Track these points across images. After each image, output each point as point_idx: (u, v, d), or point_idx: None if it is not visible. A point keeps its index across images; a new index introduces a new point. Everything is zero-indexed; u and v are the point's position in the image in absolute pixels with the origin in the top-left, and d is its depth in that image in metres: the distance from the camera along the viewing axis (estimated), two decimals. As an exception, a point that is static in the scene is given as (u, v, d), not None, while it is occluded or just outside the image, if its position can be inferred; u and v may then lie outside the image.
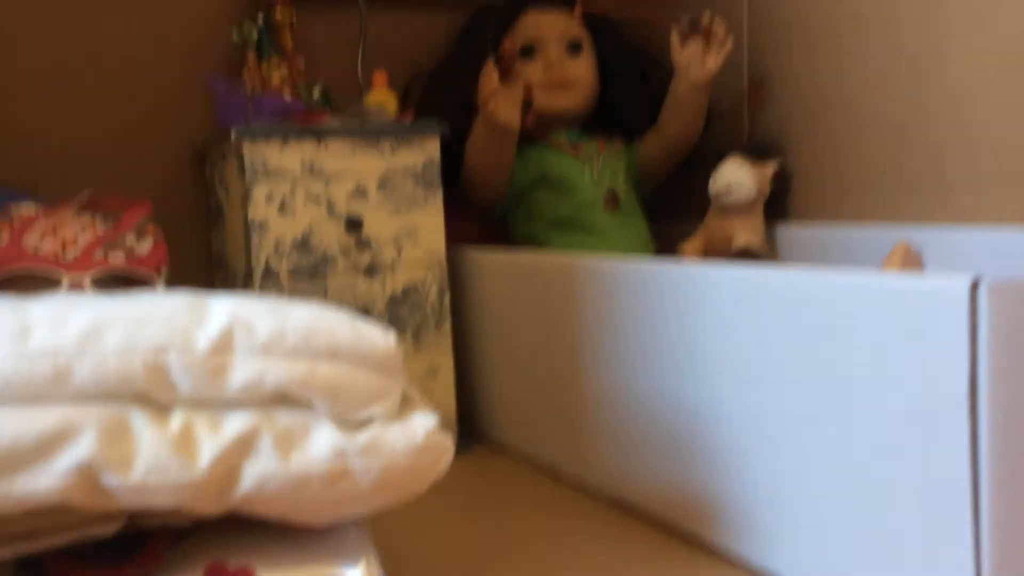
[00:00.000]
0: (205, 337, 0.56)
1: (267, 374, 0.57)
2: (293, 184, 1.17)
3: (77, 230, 1.04)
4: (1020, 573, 0.65)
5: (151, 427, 0.54)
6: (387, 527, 0.98)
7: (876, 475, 0.71)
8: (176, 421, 0.55)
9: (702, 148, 1.40)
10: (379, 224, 1.22)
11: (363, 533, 0.61)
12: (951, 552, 0.66)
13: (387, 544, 0.93)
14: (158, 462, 0.54)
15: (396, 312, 1.24)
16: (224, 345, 0.56)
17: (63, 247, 1.00)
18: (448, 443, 0.62)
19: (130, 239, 1.11)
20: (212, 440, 0.55)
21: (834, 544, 0.75)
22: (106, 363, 0.54)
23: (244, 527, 0.60)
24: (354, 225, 1.19)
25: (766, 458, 0.81)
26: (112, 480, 0.52)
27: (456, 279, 1.35)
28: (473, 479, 1.15)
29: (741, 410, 0.84)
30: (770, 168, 1.26)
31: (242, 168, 1.16)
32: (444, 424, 1.27)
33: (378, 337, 0.61)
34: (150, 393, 0.55)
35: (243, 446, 0.56)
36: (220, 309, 0.58)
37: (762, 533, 0.83)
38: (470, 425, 1.37)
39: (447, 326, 1.27)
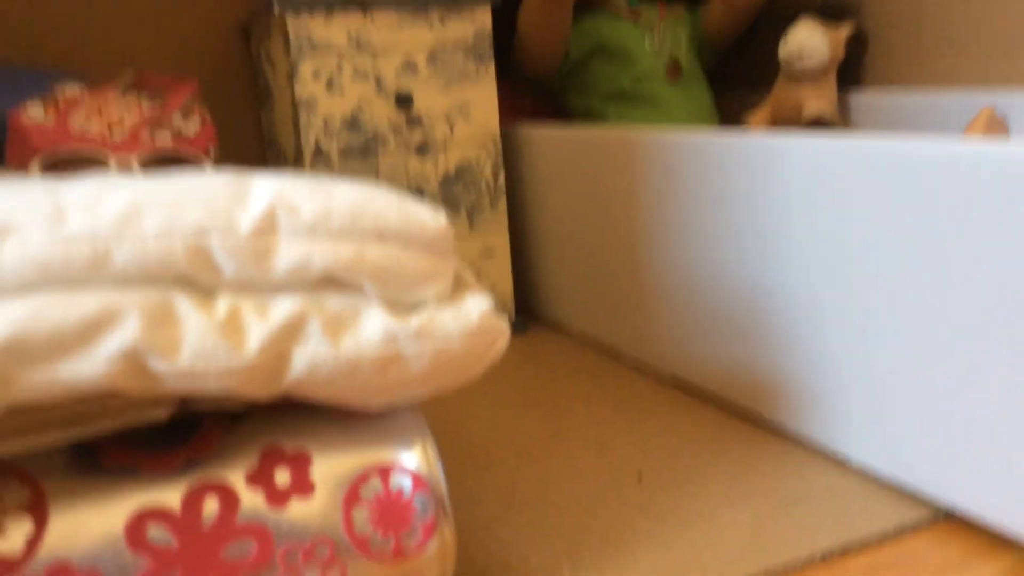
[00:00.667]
0: (248, 218, 0.54)
1: (313, 256, 0.54)
2: (340, 59, 1.13)
3: (123, 110, 1.01)
4: (1110, 457, 0.62)
5: (196, 311, 0.53)
6: (443, 410, 0.98)
7: (956, 357, 0.67)
8: (222, 305, 0.54)
9: (770, 11, 1.31)
10: (429, 100, 1.17)
11: (418, 417, 0.59)
12: (1036, 435, 0.63)
13: (443, 427, 0.93)
14: (205, 347, 0.52)
15: (450, 191, 1.21)
16: (268, 226, 0.54)
17: (109, 128, 0.98)
18: (503, 325, 0.60)
19: (177, 119, 1.08)
20: (260, 325, 0.53)
21: (905, 428, 0.72)
22: (146, 246, 0.52)
23: (298, 411, 0.59)
24: (404, 101, 1.15)
25: (837, 338, 0.78)
26: (159, 365, 0.51)
27: (511, 156, 1.31)
28: (530, 360, 1.14)
29: (811, 288, 0.80)
30: (844, 30, 1.18)
31: (287, 43, 1.11)
32: (500, 305, 1.25)
33: (428, 217, 0.58)
34: (193, 277, 0.53)
35: (292, 330, 0.54)
36: (262, 189, 0.55)
37: (829, 414, 0.80)
38: (527, 306, 1.35)
39: (502, 205, 1.23)
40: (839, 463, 0.80)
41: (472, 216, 1.23)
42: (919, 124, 1.12)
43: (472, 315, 0.58)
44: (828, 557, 0.66)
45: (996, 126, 1.00)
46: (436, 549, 0.56)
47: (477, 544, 0.69)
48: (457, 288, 0.61)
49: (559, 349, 1.18)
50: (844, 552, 0.66)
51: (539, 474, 0.80)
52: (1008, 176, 0.62)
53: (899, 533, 0.68)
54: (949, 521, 0.70)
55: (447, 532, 0.57)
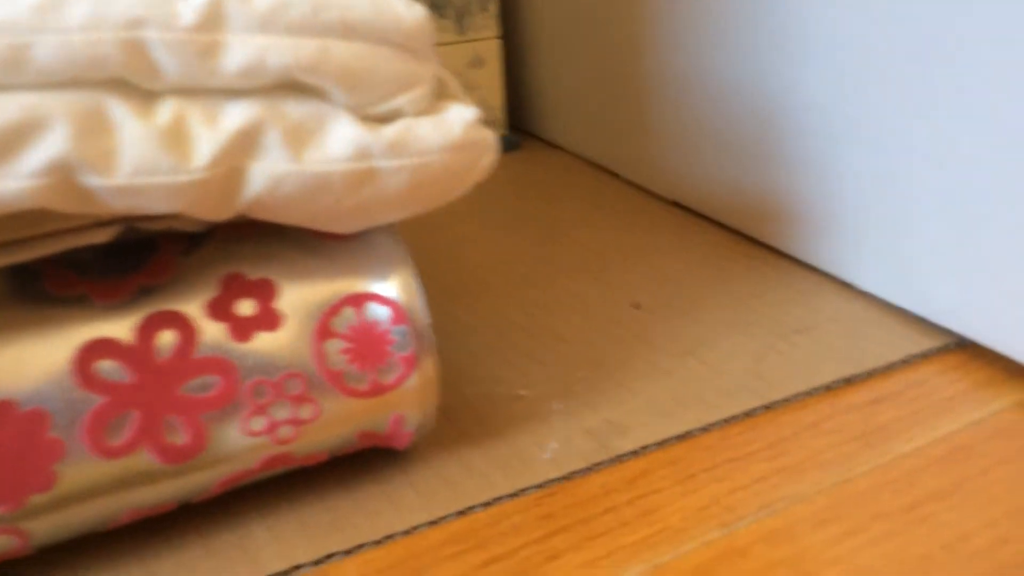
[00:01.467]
0: (189, 8, 0.46)
1: (269, 54, 0.47)
2: None
3: None
4: None
5: (135, 118, 0.45)
6: (429, 233, 0.91)
7: (984, 181, 0.61)
8: (165, 111, 0.46)
9: None
10: None
11: (397, 241, 0.53)
12: (1075, 263, 0.57)
13: (428, 252, 0.87)
14: (146, 159, 0.45)
15: (436, -8, 1.10)
16: (213, 18, 0.46)
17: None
18: (491, 138, 0.53)
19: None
20: (209, 134, 0.46)
21: (921, 255, 0.67)
22: (72, 40, 0.44)
23: (264, 235, 0.53)
24: None
25: (853, 156, 0.71)
26: (93, 180, 0.44)
27: (503, -47, 1.19)
28: (523, 179, 1.07)
29: (828, 99, 0.72)
30: None
31: None
32: (490, 118, 1.17)
33: (403, 9, 0.50)
34: (129, 78, 0.46)
35: (247, 141, 0.47)
36: (206, -27, 0.47)
37: (841, 239, 0.74)
38: (520, 120, 1.27)
39: (493, 6, 1.13)
40: (849, 291, 0.75)
41: (461, 19, 1.13)
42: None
43: (455, 127, 0.51)
44: (832, 388, 0.62)
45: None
46: (416, 383, 0.52)
47: (465, 377, 0.65)
48: (439, 96, 0.54)
49: (555, 167, 1.10)
50: (849, 383, 0.62)
51: (533, 302, 0.75)
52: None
53: (907, 363, 0.64)
54: (961, 351, 0.66)
55: (429, 365, 0.52)
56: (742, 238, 0.86)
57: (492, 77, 1.16)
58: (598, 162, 1.08)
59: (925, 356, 0.65)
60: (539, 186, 1.03)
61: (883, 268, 0.71)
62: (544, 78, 1.18)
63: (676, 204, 0.95)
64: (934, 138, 0.64)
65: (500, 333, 0.71)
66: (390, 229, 0.54)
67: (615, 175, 1.05)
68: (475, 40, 1.14)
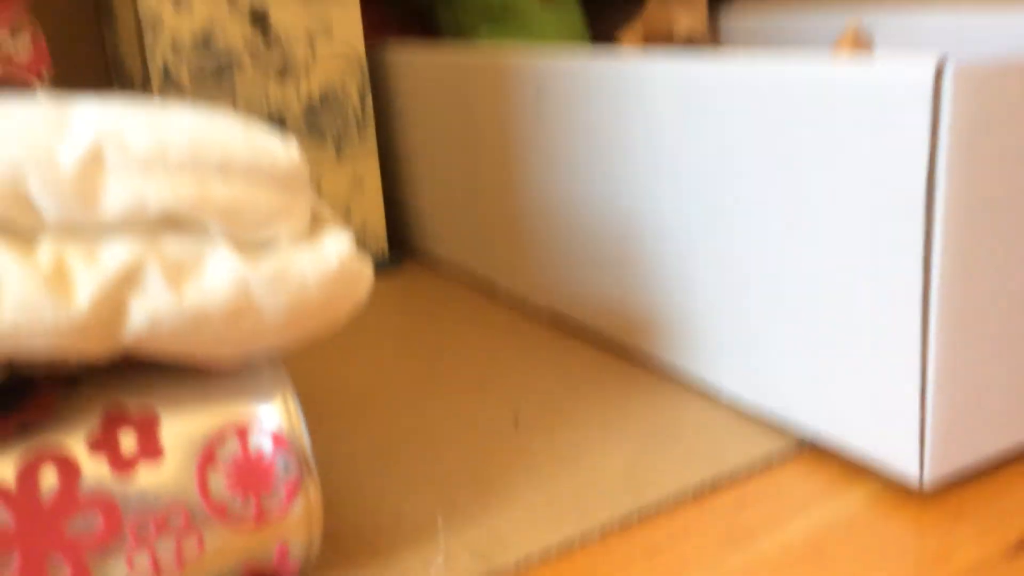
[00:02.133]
0: (69, 152, 0.47)
1: (148, 195, 0.48)
2: (186, -27, 1.03)
3: (-64, 30, 0.90)
4: (966, 380, 0.63)
5: (15, 263, 0.46)
6: (310, 355, 0.93)
7: (822, 284, 0.67)
8: (45, 253, 0.47)
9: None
10: (288, 17, 1.09)
11: (278, 369, 0.55)
12: (897, 362, 0.63)
13: (310, 374, 0.88)
14: (28, 301, 0.46)
15: (314, 119, 1.14)
16: (93, 162, 0.48)
17: (-80, 50, 0.87)
18: (367, 268, 0.56)
19: (3, 39, 0.97)
20: (90, 274, 0.48)
21: (776, 357, 0.72)
22: (-50, 188, 0.45)
23: (144, 368, 0.54)
24: (259, 19, 1.07)
25: (708, 269, 0.77)
26: (-29, 326, 0.45)
27: (378, 80, 1.24)
28: (404, 297, 1.10)
29: (682, 217, 0.78)
30: (718, -50, 1.16)
31: (125, -46, 1.01)
32: (372, 239, 1.20)
33: (279, 148, 0.53)
34: (10, 221, 0.47)
35: (127, 280, 0.48)
36: (86, 118, 0.49)
37: (702, 346, 0.79)
38: (401, 239, 1.30)
39: (371, 132, 1.17)
40: (711, 396, 0.79)
41: (339, 145, 1.16)
42: (789, 42, 1.12)
43: (332, 257, 0.53)
44: (699, 493, 0.66)
45: (863, 43, 1.00)
46: (301, 510, 0.52)
47: (350, 499, 0.66)
48: (315, 226, 0.56)
49: (435, 284, 1.14)
50: (714, 487, 0.66)
51: (415, 420, 0.77)
52: (880, 95, 0.60)
53: (766, 465, 0.69)
54: (814, 451, 0.70)
55: (312, 491, 0.53)
56: (612, 349, 0.90)
57: (371, 199, 1.20)
58: (477, 278, 1.12)
59: (782, 457, 0.70)
60: (419, 304, 1.06)
61: (739, 374, 0.76)
62: (422, 199, 1.22)
63: (551, 316, 0.99)
64: (774, 250, 0.70)
65: (383, 453, 0.72)
66: (270, 358, 0.56)
67: (494, 291, 1.09)
68: (353, 164, 1.18)
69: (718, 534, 0.61)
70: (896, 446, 0.64)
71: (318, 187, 1.16)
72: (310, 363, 0.90)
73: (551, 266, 0.97)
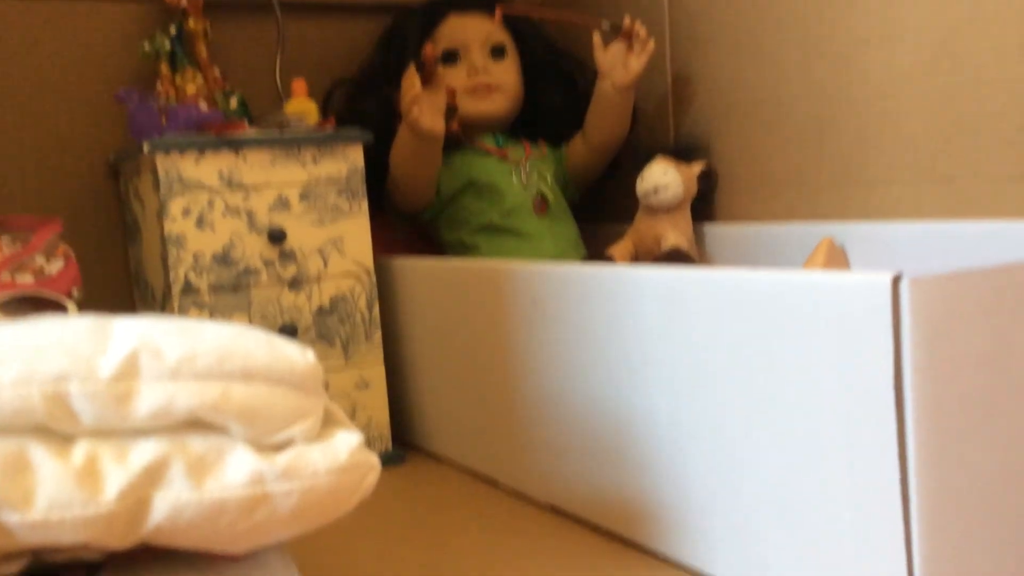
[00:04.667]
0: (108, 364, 0.53)
1: (177, 398, 0.54)
2: (211, 197, 1.14)
3: (-18, 252, 0.99)
4: (951, 567, 0.66)
5: (52, 460, 0.51)
6: (315, 547, 0.95)
7: (806, 476, 0.71)
8: (79, 452, 0.52)
9: (629, 149, 1.40)
10: (303, 235, 1.19)
11: (285, 557, 0.59)
12: (883, 550, 0.66)
13: (315, 567, 0.91)
14: (61, 496, 0.51)
15: (324, 324, 1.21)
16: (129, 371, 0.54)
17: (-33, 270, 0.96)
18: (374, 460, 0.60)
19: (39, 260, 1.06)
20: (119, 471, 0.52)
21: (767, 545, 0.75)
22: (2, 395, 0.51)
23: (159, 556, 0.58)
24: (277, 237, 1.16)
25: (699, 462, 0.81)
26: (11, 517, 0.49)
27: (385, 289, 1.33)
28: (407, 491, 1.13)
29: (672, 414, 0.83)
30: (696, 168, 1.27)
31: (157, 182, 1.12)
32: (377, 436, 1.25)
33: (296, 355, 0.59)
34: (50, 424, 0.52)
35: (153, 475, 0.53)
36: (125, 333, 0.55)
37: (697, 536, 0.82)
38: (404, 436, 1.35)
39: (377, 337, 1.24)
40: (708, 584, 0.81)
41: (347, 348, 1.23)
42: (767, 254, 1.20)
43: (341, 452, 0.58)
44: None
45: (835, 256, 1.09)
46: None
47: None
48: (326, 424, 0.61)
49: (437, 479, 1.18)
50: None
51: (414, 611, 0.79)
52: (846, 303, 0.67)
53: (769, 651, 0.70)
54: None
55: None
56: (611, 538, 0.93)
57: (377, 398, 1.25)
58: (478, 472, 1.16)
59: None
60: (422, 497, 1.09)
61: (730, 555, 0.78)
62: (425, 397, 1.28)
63: (550, 508, 1.02)
64: (763, 442, 0.75)
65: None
66: (279, 546, 0.59)
67: (494, 483, 1.12)
68: (360, 366, 1.24)
69: None
70: (880, 629, 0.66)
71: (326, 387, 1.22)
72: (317, 552, 0.92)
73: (549, 462, 1.01)
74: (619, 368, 0.89)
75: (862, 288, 0.66)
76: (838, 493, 0.69)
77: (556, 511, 1.01)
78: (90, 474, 0.52)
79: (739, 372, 0.76)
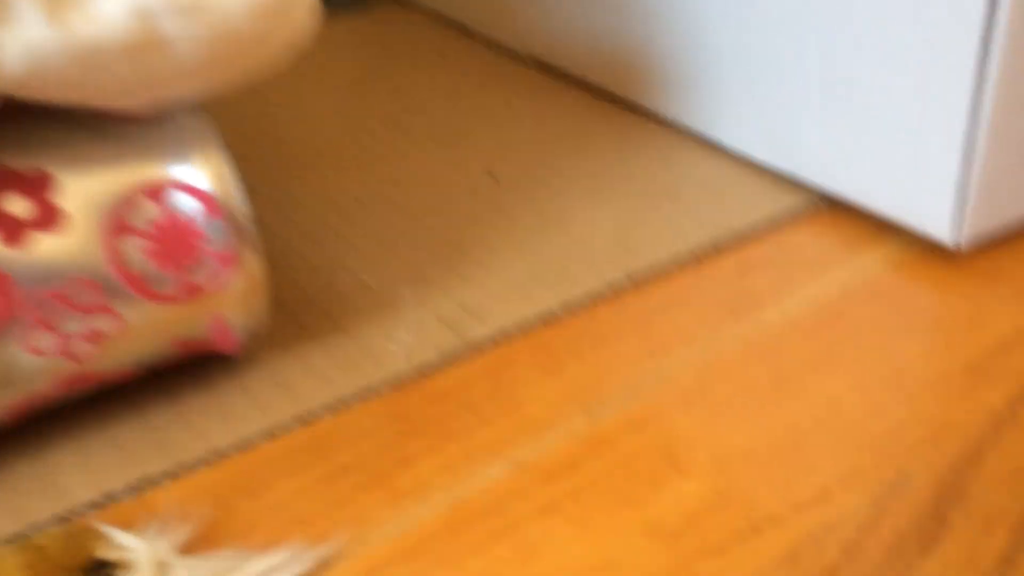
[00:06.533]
0: None
1: None
2: None
3: None
4: (1020, 137, 0.54)
5: None
6: (261, 105, 0.82)
7: (859, 17, 0.56)
8: None
9: None
10: None
11: (202, 119, 0.46)
12: (944, 110, 0.54)
13: (261, 127, 0.78)
14: None
15: None
16: None
17: None
18: (305, -5, 0.45)
19: None
20: (-59, -3, 0.38)
21: (791, 106, 0.63)
22: None
23: (35, 117, 0.45)
24: None
25: (714, 11, 0.66)
26: None
27: None
28: (371, 41, 0.98)
29: (693, -61, 0.66)
30: None
31: None
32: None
33: None
34: None
35: (-9, 5, 0.38)
36: None
37: (705, 97, 0.69)
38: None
39: None
40: (714, 152, 0.71)
41: None
42: None
43: (259, -22, 0.43)
44: (699, 257, 0.59)
45: None
46: (238, 282, 0.45)
47: (303, 264, 0.59)
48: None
49: (405, 26, 1.01)
50: (716, 250, 0.59)
51: (379, 176, 0.69)
52: None
53: (774, 224, 0.61)
54: (829, 209, 0.63)
55: (253, 262, 0.46)
56: (604, 97, 0.80)
57: (331, -73, 1.05)
58: (452, 19, 1.00)
59: (792, 215, 0.62)
60: (387, 47, 0.95)
61: (747, 124, 0.67)
62: (389, -73, 1.07)
63: (535, 62, 0.88)
64: (800, -22, 0.59)
65: (341, 212, 0.64)
66: (192, 104, 0.47)
67: (471, 33, 0.97)
68: None
69: (719, 301, 0.55)
70: (929, 202, 0.56)
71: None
72: (257, 109, 0.80)
73: (536, 5, 0.85)
74: None
75: None
76: (899, 41, 0.55)
77: (541, 66, 0.87)
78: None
79: None
